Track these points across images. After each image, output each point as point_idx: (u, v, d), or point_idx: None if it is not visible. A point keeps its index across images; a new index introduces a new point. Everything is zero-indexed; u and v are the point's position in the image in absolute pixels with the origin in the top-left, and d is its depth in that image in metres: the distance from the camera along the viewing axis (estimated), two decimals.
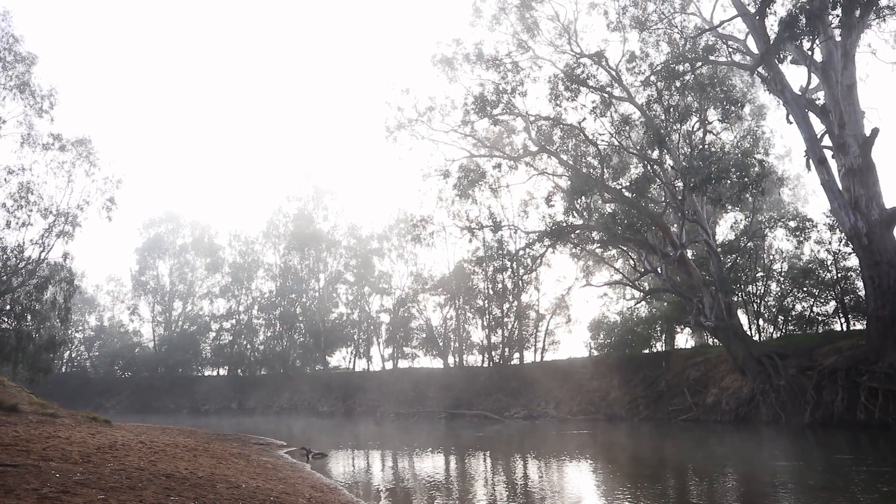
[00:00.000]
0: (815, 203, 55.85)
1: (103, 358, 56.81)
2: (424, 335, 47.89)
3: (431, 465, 15.89)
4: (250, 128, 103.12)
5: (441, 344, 47.06)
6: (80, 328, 58.36)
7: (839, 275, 28.53)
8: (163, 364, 53.85)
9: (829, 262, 28.93)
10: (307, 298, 54.33)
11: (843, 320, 28.60)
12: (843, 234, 25.47)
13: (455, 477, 13.51)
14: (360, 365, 52.00)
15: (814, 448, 17.10)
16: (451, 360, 46.82)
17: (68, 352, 57.06)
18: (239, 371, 54.21)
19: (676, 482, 12.25)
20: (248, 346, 55.19)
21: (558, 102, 28.91)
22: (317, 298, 53.70)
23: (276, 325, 54.12)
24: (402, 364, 48.56)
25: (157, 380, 52.80)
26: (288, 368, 51.90)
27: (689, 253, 31.79)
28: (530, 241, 35.79)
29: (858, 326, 27.10)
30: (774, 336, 31.26)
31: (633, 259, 33.06)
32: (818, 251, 29.80)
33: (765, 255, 33.52)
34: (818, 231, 29.69)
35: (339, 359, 53.41)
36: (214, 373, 56.07)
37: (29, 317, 30.50)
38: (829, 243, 28.99)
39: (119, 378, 55.63)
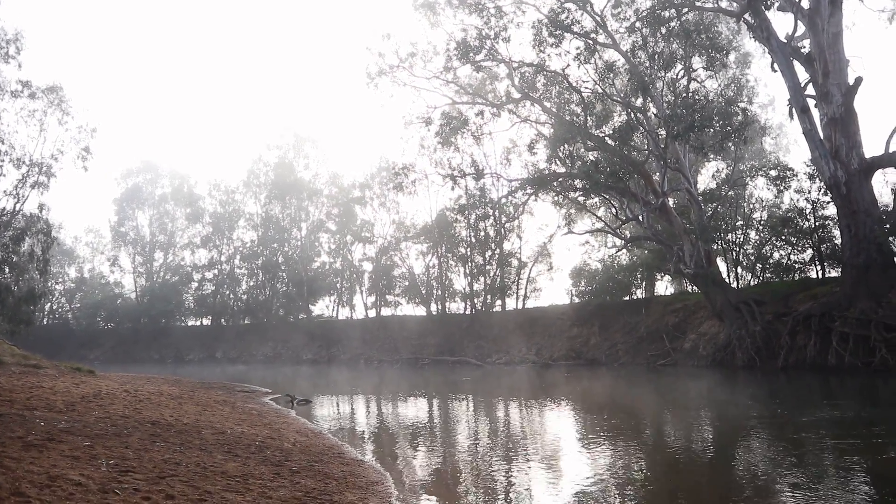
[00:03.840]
0: (796, 152, 56.09)
1: (85, 310, 56.47)
2: (407, 283, 48.06)
3: (414, 409, 16.16)
4: (229, 75, 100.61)
5: (424, 292, 47.29)
6: (61, 280, 57.80)
7: (817, 223, 28.88)
8: (145, 315, 53.71)
9: (807, 211, 29.22)
10: (289, 247, 54.14)
11: (819, 268, 29.09)
12: (823, 183, 25.69)
13: (438, 421, 13.76)
14: (343, 313, 52.29)
15: (785, 390, 17.62)
16: (433, 307, 47.14)
17: (49, 304, 56.58)
18: (222, 321, 54.28)
19: (651, 423, 12.59)
20: (231, 296, 55.13)
21: (542, 49, 28.43)
22: (299, 247, 53.52)
23: (259, 274, 54.01)
24: (385, 312, 48.85)
25: (140, 331, 52.73)
26: (271, 317, 52.04)
27: (671, 201, 31.91)
28: (513, 188, 35.72)
29: (834, 274, 27.61)
30: (752, 283, 31.78)
31: (615, 207, 33.11)
32: (797, 200, 30.06)
33: (745, 204, 33.77)
34: (798, 180, 29.89)
35: (322, 307, 53.59)
36: (198, 323, 56.10)
37: (6, 269, 30.10)
38: (809, 192, 29.21)
39: (102, 329, 55.46)
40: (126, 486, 4.92)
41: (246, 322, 53.60)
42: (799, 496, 6.46)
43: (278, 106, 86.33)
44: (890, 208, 24.75)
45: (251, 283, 54.95)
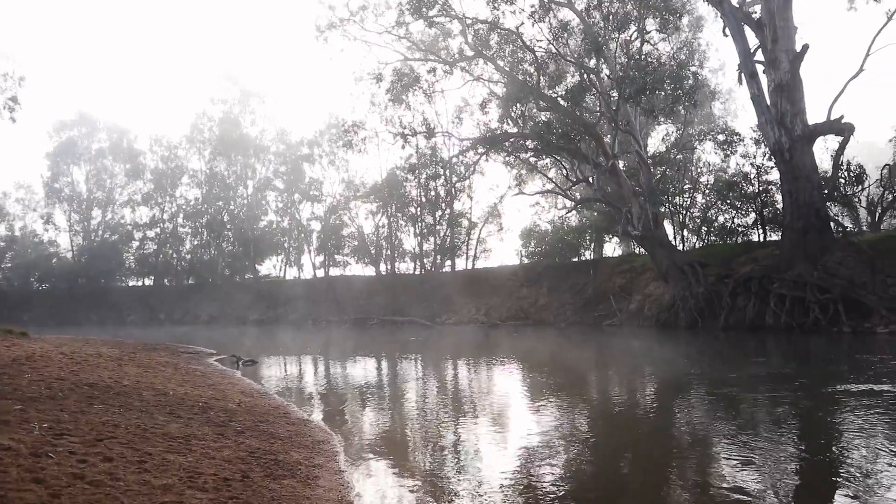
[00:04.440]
0: (744, 118, 57.55)
1: (17, 270, 54.09)
2: (356, 243, 47.84)
3: (362, 370, 16.19)
4: (171, 26, 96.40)
5: (373, 252, 47.18)
6: None
7: (760, 188, 29.72)
8: (83, 275, 52.01)
9: (752, 176, 30.01)
10: (235, 206, 53.03)
11: (761, 232, 30.07)
12: (768, 148, 26.34)
13: (385, 380, 13.83)
14: (291, 273, 51.85)
15: (723, 349, 18.35)
16: (383, 267, 47.14)
17: None
18: (165, 281, 53.06)
19: (594, 382, 12.92)
20: (175, 256, 53.83)
21: (496, 5, 28.07)
22: (245, 206, 52.48)
23: (203, 233, 52.82)
24: (334, 272, 48.65)
25: (77, 291, 51.05)
26: (216, 278, 51.14)
27: (621, 164, 32.32)
28: (464, 148, 35.60)
29: (774, 238, 28.58)
30: (697, 246, 32.68)
31: (565, 168, 33.40)
32: (743, 165, 30.83)
33: (693, 168, 34.50)
34: (744, 145, 30.59)
35: (270, 267, 52.99)
36: (139, 283, 54.68)
37: None
38: (754, 157, 29.97)
39: (36, 290, 53.44)
40: (61, 449, 4.77)
41: (190, 282, 52.55)
42: (726, 443, 6.79)
43: (224, 59, 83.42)
44: (829, 174, 25.62)
45: (195, 243, 53.74)
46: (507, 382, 13.21)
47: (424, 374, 14.86)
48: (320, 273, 49.26)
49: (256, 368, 15.50)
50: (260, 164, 52.45)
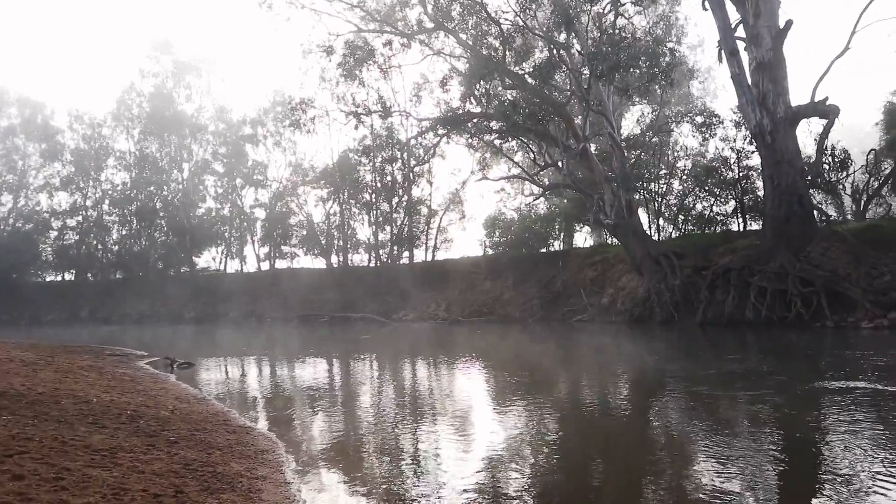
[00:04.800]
0: (724, 98, 58.48)
1: None
2: (305, 232, 47.48)
3: (311, 371, 16.03)
4: None
5: (324, 242, 46.85)
6: None
7: (741, 174, 30.36)
8: None
9: (732, 161, 30.64)
10: (169, 191, 51.99)
11: (741, 220, 30.75)
12: (748, 131, 26.87)
13: (338, 382, 13.73)
14: (233, 266, 51.25)
15: (699, 345, 18.72)
16: (334, 259, 46.92)
17: None
18: (89, 275, 51.72)
19: (563, 382, 13.03)
20: (100, 247, 52.48)
21: None
22: (180, 191, 51.47)
23: (133, 221, 51.69)
24: (281, 264, 48.28)
25: None
26: (148, 271, 50.11)
27: (593, 147, 32.69)
28: (423, 129, 35.56)
29: (755, 227, 29.26)
30: (673, 235, 33.32)
31: (533, 152, 33.61)
32: (722, 149, 31.49)
33: (669, 152, 35.07)
34: (724, 128, 31.24)
35: (208, 259, 52.24)
36: (58, 278, 53.21)
37: None
38: (734, 141, 30.61)
39: None
40: None
41: (118, 276, 51.42)
42: (702, 446, 6.90)
43: (155, 26, 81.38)
44: (813, 159, 26.26)
45: (123, 232, 52.50)
46: (469, 383, 13.23)
47: (380, 376, 14.79)
48: (265, 266, 48.76)
49: (193, 371, 15.21)
50: (197, 145, 51.55)
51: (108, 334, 30.28)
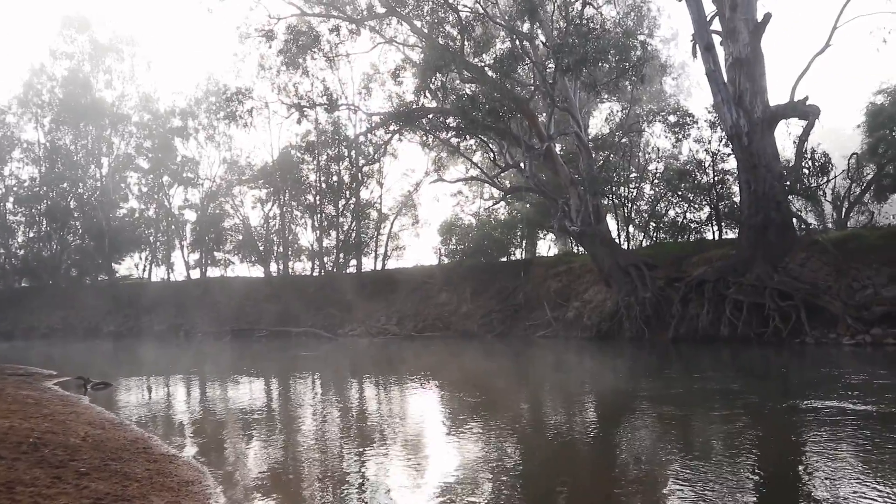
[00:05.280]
0: (698, 96, 59.83)
1: None
2: (241, 237, 46.99)
3: (247, 392, 15.77)
4: None
5: (262, 248, 46.39)
6: None
7: (716, 178, 30.93)
8: None
9: (706, 164, 31.19)
10: (85, 189, 50.76)
11: (716, 228, 31.32)
12: (724, 132, 27.34)
13: (276, 404, 13.51)
14: (159, 274, 50.34)
15: (669, 364, 18.96)
16: (273, 267, 46.46)
17: None
18: None
19: (523, 405, 13.05)
20: (2, 251, 50.86)
21: None
22: (98, 189, 50.28)
23: (42, 222, 50.26)
24: (213, 272, 47.65)
25: None
26: (60, 279, 48.84)
27: (558, 147, 33.03)
28: (373, 124, 35.49)
29: (731, 235, 29.82)
30: (644, 244, 33.75)
31: (493, 152, 33.79)
32: (697, 151, 32.04)
33: (640, 154, 35.59)
34: (699, 128, 31.80)
35: (130, 266, 51.26)
36: None
37: None
38: (709, 142, 31.14)
39: None
40: None
41: (24, 285, 49.95)
42: (672, 471, 6.96)
43: (69, 1, 79.54)
44: (792, 163, 26.88)
45: (31, 235, 50.98)
46: (420, 405, 13.15)
47: (323, 398, 14.61)
48: (195, 274, 48.02)
49: (111, 393, 14.83)
50: (118, 138, 50.40)
51: (12, 350, 29.39)
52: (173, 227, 49.39)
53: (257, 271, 46.84)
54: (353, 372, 20.07)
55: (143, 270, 50.70)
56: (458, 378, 17.77)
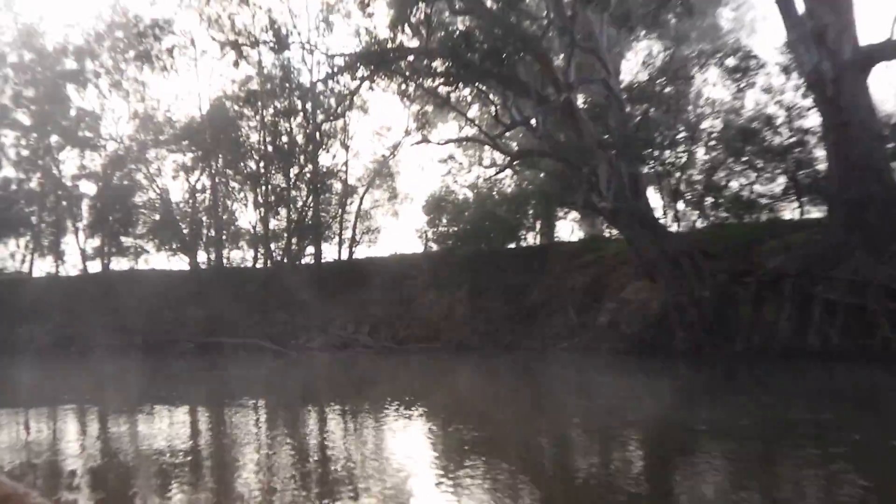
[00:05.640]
0: (765, 33, 59.53)
1: None
2: (158, 217, 46.49)
3: (166, 428, 15.45)
4: None
5: (186, 232, 45.97)
6: None
7: (793, 139, 30.61)
8: None
9: (779, 121, 30.85)
10: None
11: (796, 205, 30.97)
12: (802, 79, 27.02)
13: (205, 445, 13.26)
14: (44, 267, 49.79)
15: (744, 395, 18.54)
16: (202, 257, 46.14)
17: None
18: None
19: (545, 443, 12.72)
20: None
21: None
22: None
23: None
24: (120, 265, 47.23)
25: None
26: None
27: (580, 99, 32.63)
28: (336, 69, 34.96)
29: (817, 214, 29.51)
30: (700, 226, 33.43)
31: (494, 105, 33.38)
32: (765, 104, 31.65)
33: (691, 108, 35.18)
34: (767, 74, 31.40)
35: (5, 257, 50.53)
36: None
37: None
38: (782, 93, 30.83)
39: None
40: None
41: None
42: None
43: None
44: (894, 120, 26.57)
45: None
46: (403, 446, 12.84)
47: (269, 435, 14.32)
48: (94, 266, 47.76)
49: None
50: None
51: None
52: (64, 203, 48.71)
53: (180, 263, 46.57)
54: (309, 399, 19.84)
55: (22, 262, 49.94)
56: (451, 407, 17.49)
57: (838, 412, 13.96)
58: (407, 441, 13.41)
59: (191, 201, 46.66)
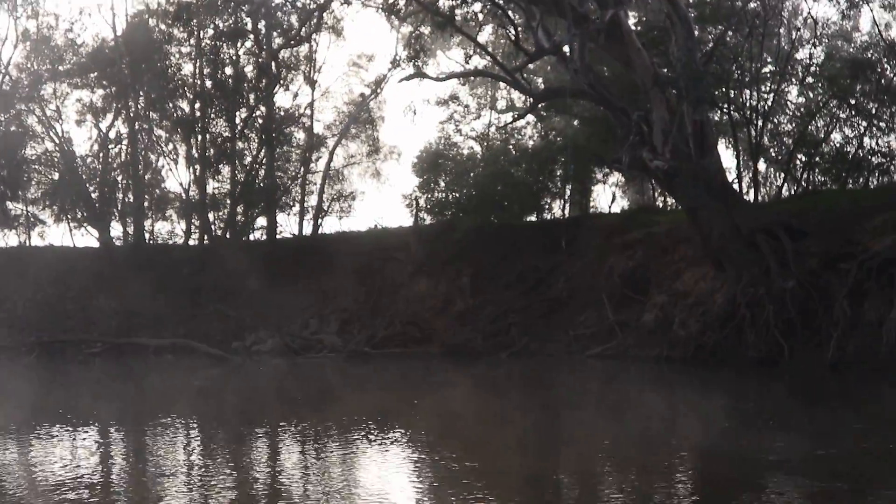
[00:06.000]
0: None
1: None
2: (58, 176, 46.38)
3: (67, 453, 15.60)
4: None
5: (97, 196, 45.84)
6: None
7: None
8: None
9: None
10: None
11: None
12: None
13: (119, 478, 13.33)
14: None
15: (834, 406, 18.70)
16: (117, 230, 46.01)
17: None
18: None
19: (561, 480, 12.88)
20: None
21: None
22: None
23: None
24: (6, 239, 47.21)
25: None
26: None
27: (631, 18, 32.55)
28: None
29: None
30: (786, 193, 33.44)
31: (514, 26, 33.34)
32: (886, 26, 31.60)
33: (782, 31, 35.06)
34: None
35: None
36: None
37: None
38: None
39: None
40: None
41: None
42: None
43: None
44: None
45: None
46: (382, 479, 13.01)
47: (203, 464, 14.47)
48: None
49: None
50: None
51: None
52: None
53: (87, 238, 46.45)
54: (254, 418, 19.78)
55: None
56: (440, 430, 17.60)
57: None
58: (383, 474, 13.58)
59: (101, 155, 46.37)
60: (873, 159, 31.70)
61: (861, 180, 31.53)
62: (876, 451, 13.27)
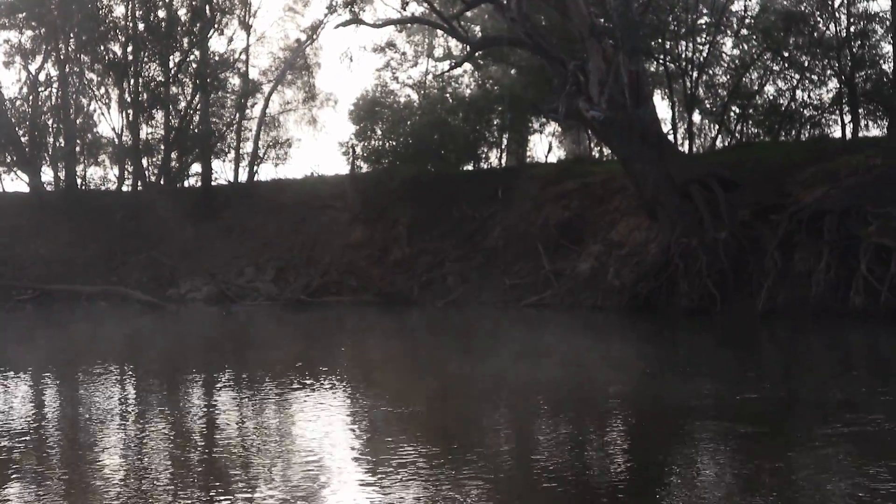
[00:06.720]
0: None
1: None
2: None
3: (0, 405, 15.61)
4: None
5: (26, 140, 45.36)
6: None
7: (851, 29, 30.86)
8: None
9: (833, 5, 31.07)
10: None
11: (848, 118, 31.35)
12: None
13: (53, 425, 13.38)
14: None
15: (764, 357, 19.10)
16: (48, 175, 45.59)
17: None
18: None
19: (493, 421, 13.09)
20: None
21: None
22: None
23: None
24: None
25: None
26: None
27: None
28: None
29: (875, 132, 29.92)
30: (720, 145, 33.72)
31: None
32: None
33: None
34: None
35: None
36: None
37: None
38: None
39: None
40: None
41: None
42: None
43: None
44: None
45: None
46: (317, 422, 13.14)
47: (137, 410, 14.53)
48: None
49: None
50: None
51: None
52: None
53: (17, 183, 46.22)
54: (185, 365, 19.89)
55: None
56: (370, 377, 17.72)
57: (871, 385, 14.41)
58: (320, 418, 13.70)
59: (31, 98, 45.87)
60: (805, 112, 32.02)
61: (793, 133, 31.83)
62: (796, 396, 13.67)
